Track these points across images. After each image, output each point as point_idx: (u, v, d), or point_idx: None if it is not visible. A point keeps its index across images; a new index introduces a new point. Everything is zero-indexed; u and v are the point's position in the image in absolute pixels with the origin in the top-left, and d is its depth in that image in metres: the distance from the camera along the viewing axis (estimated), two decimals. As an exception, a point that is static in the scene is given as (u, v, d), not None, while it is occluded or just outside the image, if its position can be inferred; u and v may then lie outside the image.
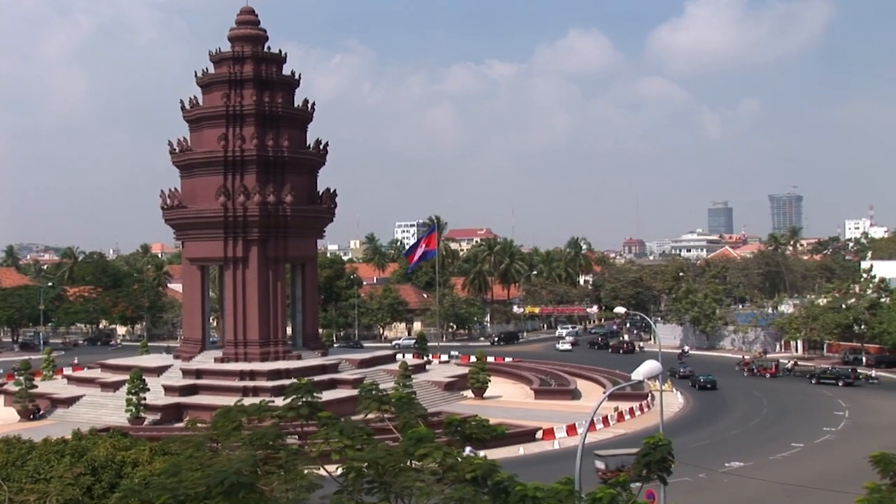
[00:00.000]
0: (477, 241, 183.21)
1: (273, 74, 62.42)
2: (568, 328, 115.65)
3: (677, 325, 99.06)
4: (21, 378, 56.94)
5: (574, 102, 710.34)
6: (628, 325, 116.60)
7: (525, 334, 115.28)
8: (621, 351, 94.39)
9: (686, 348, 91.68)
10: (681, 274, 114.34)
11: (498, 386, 66.08)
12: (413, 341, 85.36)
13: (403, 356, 72.20)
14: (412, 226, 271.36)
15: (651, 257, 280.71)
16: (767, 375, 72.53)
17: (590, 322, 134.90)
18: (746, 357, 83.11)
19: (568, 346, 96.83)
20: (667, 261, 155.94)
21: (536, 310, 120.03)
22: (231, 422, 15.17)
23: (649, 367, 18.82)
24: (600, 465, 36.38)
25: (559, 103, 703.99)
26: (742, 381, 69.95)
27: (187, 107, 62.64)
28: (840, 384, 66.75)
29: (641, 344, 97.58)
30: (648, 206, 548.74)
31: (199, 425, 18.33)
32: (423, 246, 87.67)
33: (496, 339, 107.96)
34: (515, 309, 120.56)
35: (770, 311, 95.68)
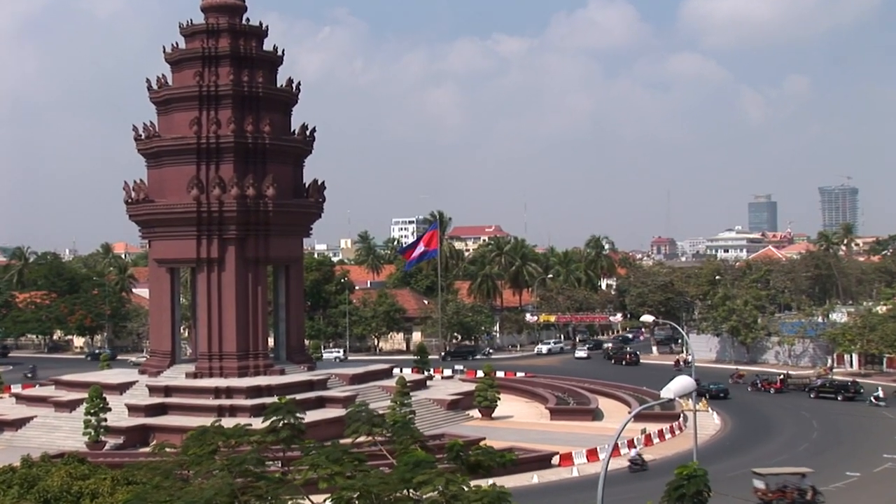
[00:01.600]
0: (484, 241, 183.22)
1: (252, 50, 62.49)
2: (584, 337, 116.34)
3: (713, 335, 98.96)
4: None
5: (595, 82, 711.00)
6: (654, 334, 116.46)
7: (490, 351, 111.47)
8: (623, 363, 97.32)
9: (687, 358, 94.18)
10: (717, 277, 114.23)
11: (509, 404, 66.10)
12: (444, 355, 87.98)
13: (402, 370, 72.28)
14: (411, 222, 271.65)
15: (683, 258, 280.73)
16: (772, 390, 74.23)
17: (613, 332, 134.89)
18: (740, 370, 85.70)
19: (584, 354, 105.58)
20: (701, 262, 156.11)
21: (552, 318, 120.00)
22: (205, 446, 15.23)
23: (681, 383, 18.78)
24: (759, 484, 37.09)
25: (578, 84, 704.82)
26: (767, 399, 71.09)
27: (154, 87, 62.70)
28: (839, 398, 69.26)
29: (689, 358, 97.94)
30: (680, 200, 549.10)
31: (167, 450, 18.40)
32: (423, 245, 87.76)
33: (444, 354, 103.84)
34: (528, 317, 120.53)
35: (820, 320, 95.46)
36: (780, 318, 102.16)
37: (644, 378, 76.76)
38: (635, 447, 50.92)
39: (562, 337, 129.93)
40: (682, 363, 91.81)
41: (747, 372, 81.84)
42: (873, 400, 66.74)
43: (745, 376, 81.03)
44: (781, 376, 77.57)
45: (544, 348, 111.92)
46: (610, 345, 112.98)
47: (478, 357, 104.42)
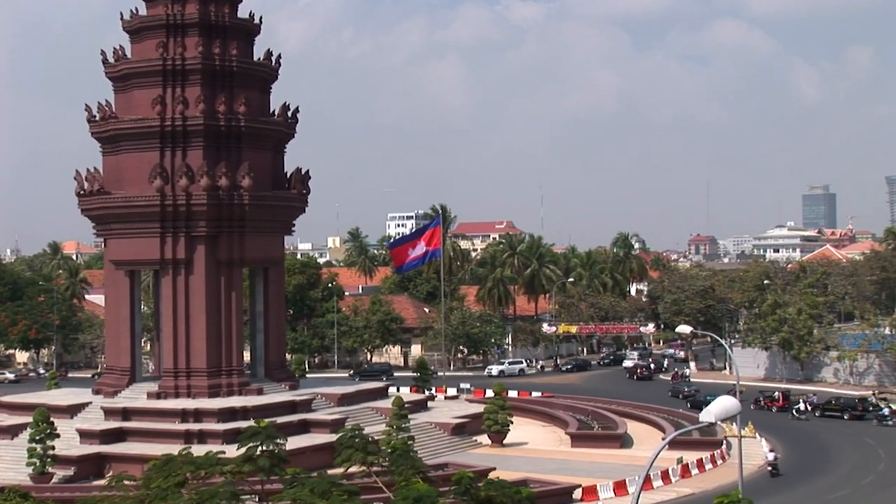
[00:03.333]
0: (494, 239, 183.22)
1: (225, 17, 62.59)
2: (574, 352, 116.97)
3: (761, 349, 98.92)
4: None
5: (622, 55, 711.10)
6: (693, 348, 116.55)
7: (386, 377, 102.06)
8: (635, 377, 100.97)
9: (687, 372, 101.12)
10: (766, 282, 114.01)
11: (523, 429, 66.15)
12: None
13: (399, 389, 72.27)
14: (409, 218, 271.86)
15: (726, 259, 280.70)
16: (774, 409, 77.06)
17: (644, 344, 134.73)
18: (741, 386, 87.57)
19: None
20: (747, 264, 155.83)
21: (573, 329, 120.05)
22: (170, 477, 15.29)
23: (724, 405, 18.77)
24: None
25: (602, 57, 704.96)
26: (778, 419, 73.11)
27: (111, 60, 62.78)
28: (846, 417, 72.45)
29: (687, 372, 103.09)
30: (722, 191, 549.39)
31: (126, 483, 18.47)
32: (423, 244, 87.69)
33: (354, 373, 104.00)
34: (545, 328, 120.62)
35: (888, 331, 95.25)
36: (839, 330, 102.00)
37: (645, 394, 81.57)
38: (672, 479, 50.92)
39: (584, 351, 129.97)
40: (680, 377, 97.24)
41: (802, 392, 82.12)
42: (795, 413, 73.98)
43: (745, 392, 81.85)
44: (781, 393, 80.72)
45: (495, 369, 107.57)
46: (633, 359, 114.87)
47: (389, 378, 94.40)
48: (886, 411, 70.94)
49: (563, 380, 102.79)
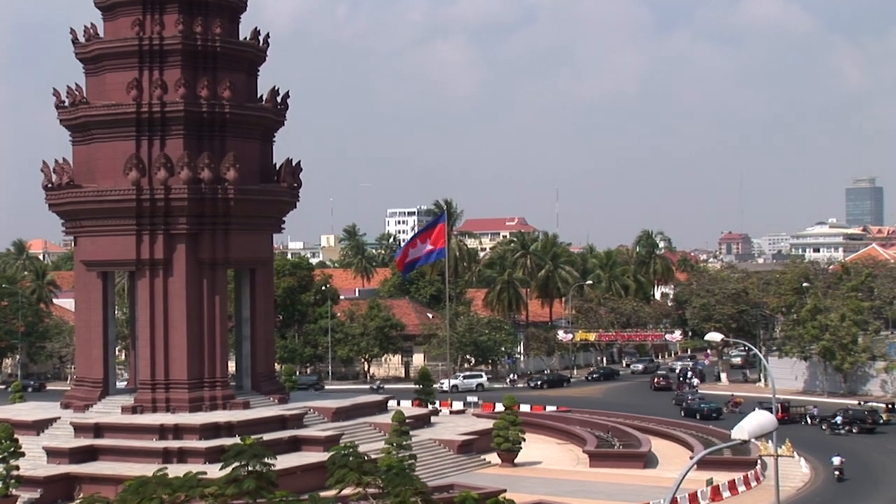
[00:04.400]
0: (505, 237, 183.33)
1: (207, -9, 62.61)
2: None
3: (799, 359, 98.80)
4: None
5: (645, 35, 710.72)
6: (723, 357, 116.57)
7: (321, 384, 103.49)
8: (652, 388, 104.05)
9: (695, 382, 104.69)
10: (805, 285, 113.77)
11: (536, 447, 66.13)
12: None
13: (399, 403, 72.28)
14: (411, 214, 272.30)
15: (760, 260, 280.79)
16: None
17: (669, 354, 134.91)
18: (736, 396, 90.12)
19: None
20: (784, 265, 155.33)
21: (591, 336, 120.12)
22: (147, 500, 15.32)
23: (758, 421, 18.75)
24: None
25: (623, 37, 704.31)
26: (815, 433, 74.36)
27: (82, 40, 62.79)
28: (855, 431, 74.68)
29: (695, 382, 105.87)
30: (756, 185, 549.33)
31: (99, 505, 18.52)
32: (427, 243, 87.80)
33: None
34: (561, 335, 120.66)
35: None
36: (887, 338, 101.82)
37: (653, 405, 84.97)
38: (701, 503, 50.84)
39: (603, 360, 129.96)
40: (687, 386, 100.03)
41: (849, 405, 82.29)
42: (829, 426, 75.99)
43: (743, 403, 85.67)
44: (780, 404, 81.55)
45: (447, 384, 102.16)
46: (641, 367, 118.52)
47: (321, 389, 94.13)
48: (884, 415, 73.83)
49: (581, 392, 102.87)
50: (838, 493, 54.85)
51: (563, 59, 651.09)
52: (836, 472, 57.26)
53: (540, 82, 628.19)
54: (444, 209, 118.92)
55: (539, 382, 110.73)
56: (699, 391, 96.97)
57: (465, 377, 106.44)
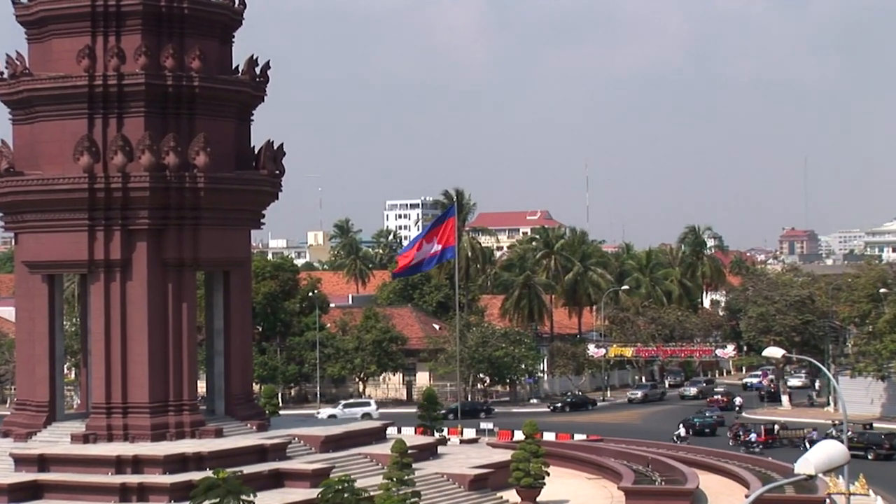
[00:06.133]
0: (525, 234, 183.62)
1: (173, -56, 62.59)
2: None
3: (876, 379, 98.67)
4: None
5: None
6: (785, 377, 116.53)
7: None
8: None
9: (738, 401, 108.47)
10: (882, 291, 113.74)
11: (563, 482, 65.95)
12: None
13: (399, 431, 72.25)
14: (414, 207, 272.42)
15: (829, 261, 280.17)
16: (759, 446, 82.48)
17: (721, 373, 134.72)
18: (739, 418, 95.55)
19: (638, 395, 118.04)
20: (857, 267, 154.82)
21: (628, 351, 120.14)
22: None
23: (825, 452, 18.75)
24: None
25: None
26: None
27: (24, 0, 62.77)
28: (870, 457, 77.21)
29: (738, 401, 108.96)
30: (824, 173, 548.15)
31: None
32: (434, 242, 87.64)
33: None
34: (592, 350, 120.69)
35: None
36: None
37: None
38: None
39: (642, 379, 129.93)
40: (726, 406, 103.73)
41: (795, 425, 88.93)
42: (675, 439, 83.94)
43: (742, 415, 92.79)
44: (764, 426, 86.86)
45: (325, 412, 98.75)
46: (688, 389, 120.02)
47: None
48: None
49: (615, 418, 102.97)
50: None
51: (596, 23, 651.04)
52: None
53: (567, 51, 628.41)
54: (453, 201, 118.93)
55: (560, 405, 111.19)
56: (742, 412, 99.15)
57: (346, 406, 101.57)
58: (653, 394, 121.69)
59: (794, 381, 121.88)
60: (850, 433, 78.67)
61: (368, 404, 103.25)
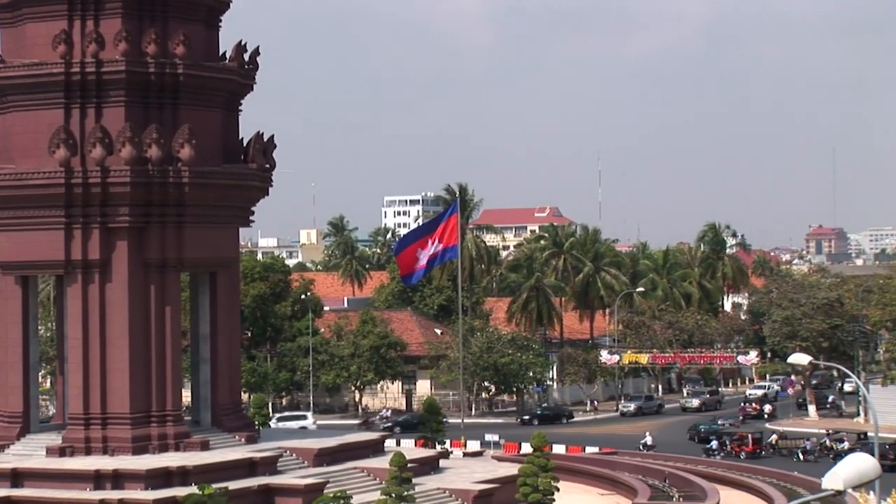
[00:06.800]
0: (533, 232, 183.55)
1: (155, -82, 62.55)
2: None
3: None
4: None
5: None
6: (812, 386, 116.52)
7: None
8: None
9: (768, 411, 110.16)
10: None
11: (574, 498, 66.09)
12: None
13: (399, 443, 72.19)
14: (414, 203, 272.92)
15: (859, 261, 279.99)
16: (743, 454, 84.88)
17: (742, 381, 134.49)
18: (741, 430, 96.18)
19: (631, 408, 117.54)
20: (889, 268, 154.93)
21: (643, 358, 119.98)
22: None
23: (855, 466, 18.69)
24: None
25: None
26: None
27: (-4, -18, 62.75)
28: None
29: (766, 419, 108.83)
30: (854, 167, 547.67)
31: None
32: (437, 242, 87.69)
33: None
34: (604, 356, 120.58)
35: None
36: None
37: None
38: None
39: (657, 388, 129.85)
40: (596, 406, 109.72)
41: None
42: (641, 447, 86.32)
43: (726, 420, 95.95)
44: (752, 434, 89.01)
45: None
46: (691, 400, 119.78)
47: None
48: (649, 439, 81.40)
49: (630, 429, 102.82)
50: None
51: (607, 5, 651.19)
52: None
53: (578, 36, 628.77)
54: (456, 197, 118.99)
55: (528, 417, 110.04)
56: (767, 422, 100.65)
57: (279, 419, 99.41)
58: (648, 406, 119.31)
59: (848, 387, 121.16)
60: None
61: (305, 417, 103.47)
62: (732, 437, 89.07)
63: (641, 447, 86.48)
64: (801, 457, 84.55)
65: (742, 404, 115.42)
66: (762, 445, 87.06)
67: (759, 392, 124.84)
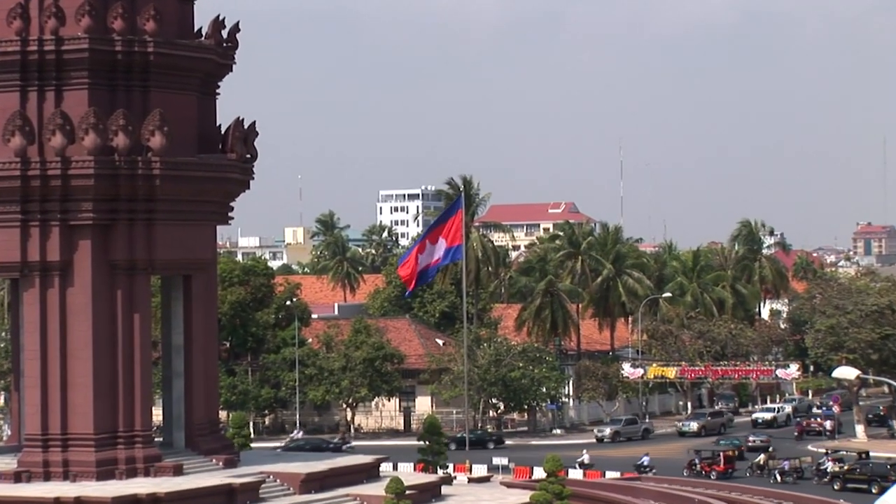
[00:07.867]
0: (547, 231, 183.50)
1: None
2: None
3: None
4: None
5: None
6: (860, 403, 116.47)
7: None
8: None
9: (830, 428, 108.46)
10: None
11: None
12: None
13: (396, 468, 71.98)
14: (413, 198, 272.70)
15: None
16: (713, 475, 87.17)
17: (782, 397, 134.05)
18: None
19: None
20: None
21: (670, 372, 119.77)
22: None
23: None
24: None
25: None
26: None
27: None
28: (874, 490, 77.75)
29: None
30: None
31: None
32: (442, 242, 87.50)
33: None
34: (627, 370, 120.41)
35: None
36: None
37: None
38: None
39: (687, 405, 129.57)
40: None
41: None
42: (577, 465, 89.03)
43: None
44: (723, 453, 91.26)
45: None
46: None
47: None
48: (586, 458, 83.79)
49: (660, 451, 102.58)
50: None
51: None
52: None
53: (597, 13, 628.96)
54: (460, 191, 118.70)
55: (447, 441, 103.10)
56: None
57: (294, 445, 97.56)
58: (629, 431, 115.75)
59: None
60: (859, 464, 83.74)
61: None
62: (702, 455, 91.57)
63: (637, 469, 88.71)
64: (779, 478, 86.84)
65: (798, 421, 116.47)
66: (734, 465, 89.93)
67: (769, 415, 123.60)
